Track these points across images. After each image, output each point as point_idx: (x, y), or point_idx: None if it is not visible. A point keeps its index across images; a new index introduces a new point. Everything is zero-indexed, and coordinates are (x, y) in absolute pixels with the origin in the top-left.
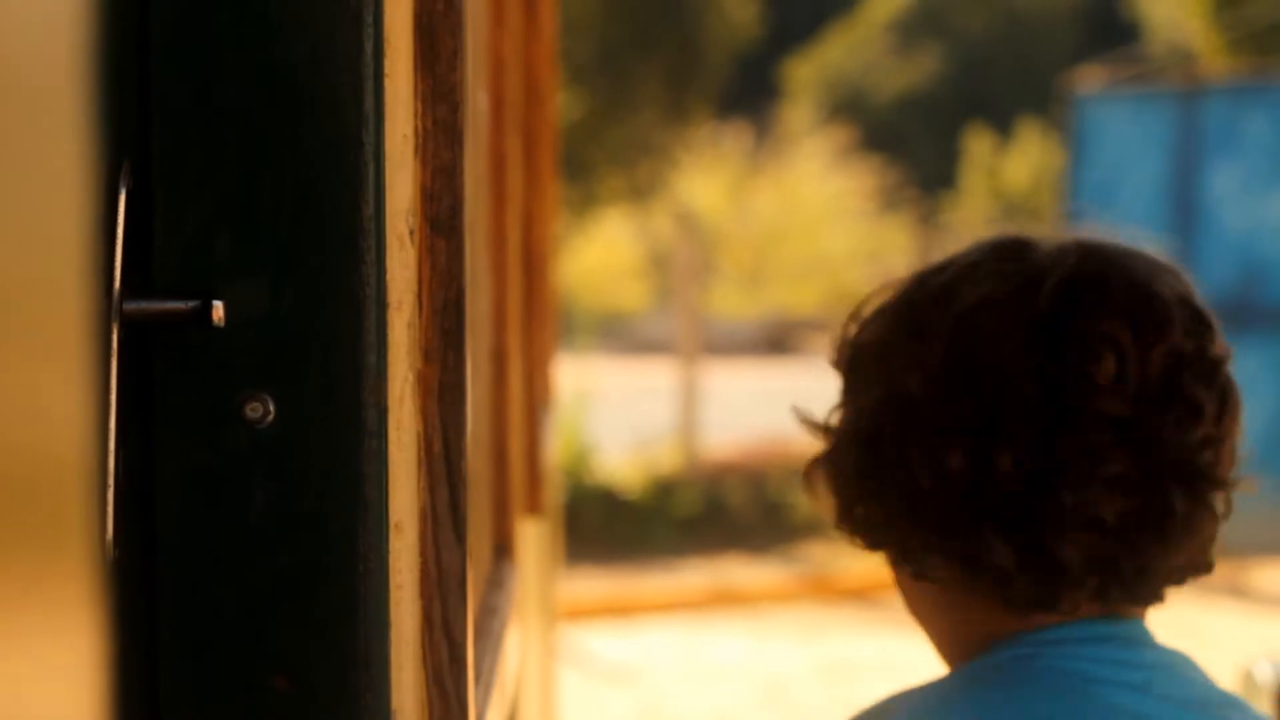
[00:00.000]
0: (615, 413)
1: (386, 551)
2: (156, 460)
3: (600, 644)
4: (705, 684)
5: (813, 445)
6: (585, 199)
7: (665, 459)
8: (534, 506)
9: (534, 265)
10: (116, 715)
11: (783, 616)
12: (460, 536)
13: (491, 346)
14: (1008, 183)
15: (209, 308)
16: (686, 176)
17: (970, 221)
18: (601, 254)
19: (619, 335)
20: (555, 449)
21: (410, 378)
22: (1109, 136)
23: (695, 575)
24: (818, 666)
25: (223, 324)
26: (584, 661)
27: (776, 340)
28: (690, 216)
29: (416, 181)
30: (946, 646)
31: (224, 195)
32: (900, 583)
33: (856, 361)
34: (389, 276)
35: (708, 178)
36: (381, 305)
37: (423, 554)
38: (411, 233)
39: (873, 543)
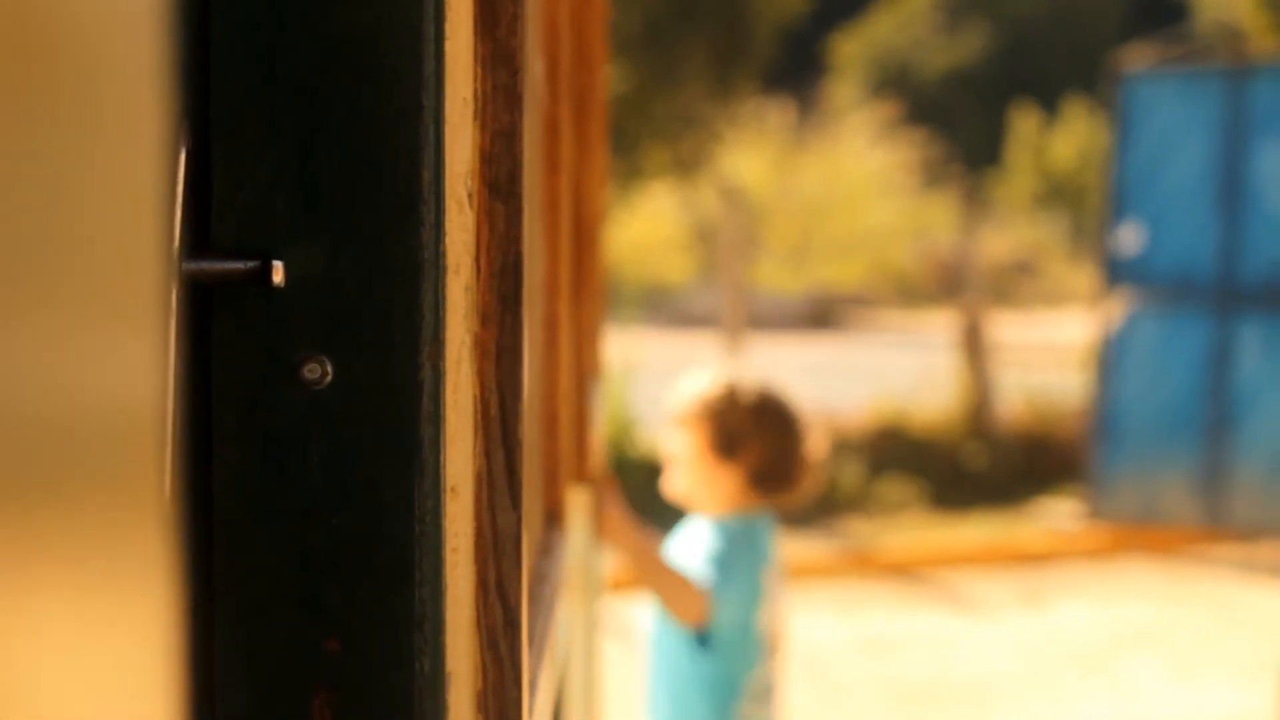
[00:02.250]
0: (659, 385)
1: (442, 514)
2: (214, 420)
3: (637, 614)
4: None
5: (854, 420)
6: (630, 172)
7: None
8: (582, 475)
9: (584, 235)
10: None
11: (823, 591)
12: (515, 500)
13: (544, 314)
14: (1053, 161)
15: (269, 268)
16: (732, 151)
17: (1015, 199)
18: (646, 227)
19: (663, 308)
20: (601, 420)
21: (467, 341)
22: (1156, 115)
23: None
24: (859, 642)
25: (283, 284)
26: (626, 633)
27: (820, 315)
28: (735, 191)
29: (476, 145)
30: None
31: (283, 158)
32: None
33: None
34: (447, 240)
35: (753, 152)
36: (439, 268)
37: (478, 517)
38: (470, 196)
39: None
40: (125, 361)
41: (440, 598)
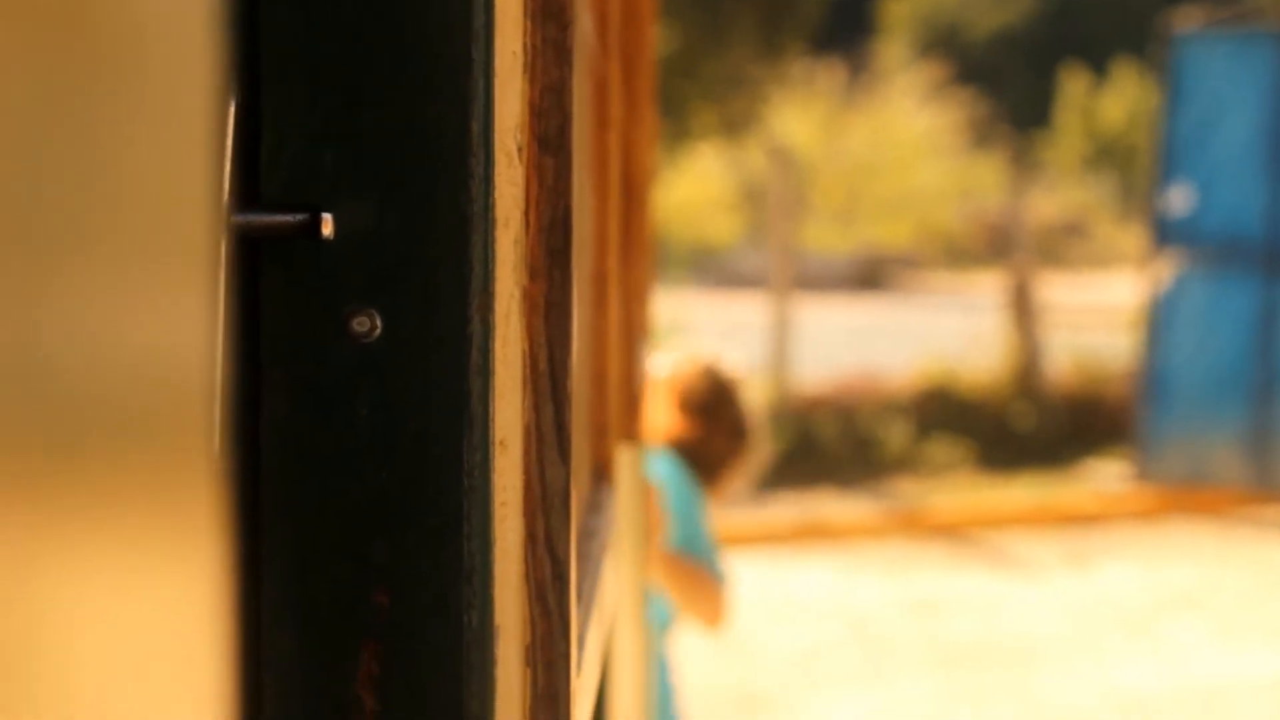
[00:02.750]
0: (707, 346)
1: (490, 468)
2: (263, 374)
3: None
4: (792, 619)
5: (901, 381)
6: (678, 133)
7: (756, 393)
8: (631, 433)
9: (633, 193)
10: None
11: (871, 552)
12: (564, 455)
13: (593, 270)
14: (1102, 123)
15: (318, 221)
16: (780, 112)
17: (1064, 160)
18: (694, 188)
19: (711, 270)
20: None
21: (516, 294)
22: (1206, 77)
23: (784, 509)
24: (905, 603)
25: (332, 237)
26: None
27: (868, 276)
28: (783, 151)
29: (525, 99)
30: None
31: (332, 111)
32: None
33: None
34: (496, 193)
35: (801, 113)
36: (488, 222)
37: (526, 471)
38: (520, 150)
39: None
40: (173, 315)
41: (489, 551)
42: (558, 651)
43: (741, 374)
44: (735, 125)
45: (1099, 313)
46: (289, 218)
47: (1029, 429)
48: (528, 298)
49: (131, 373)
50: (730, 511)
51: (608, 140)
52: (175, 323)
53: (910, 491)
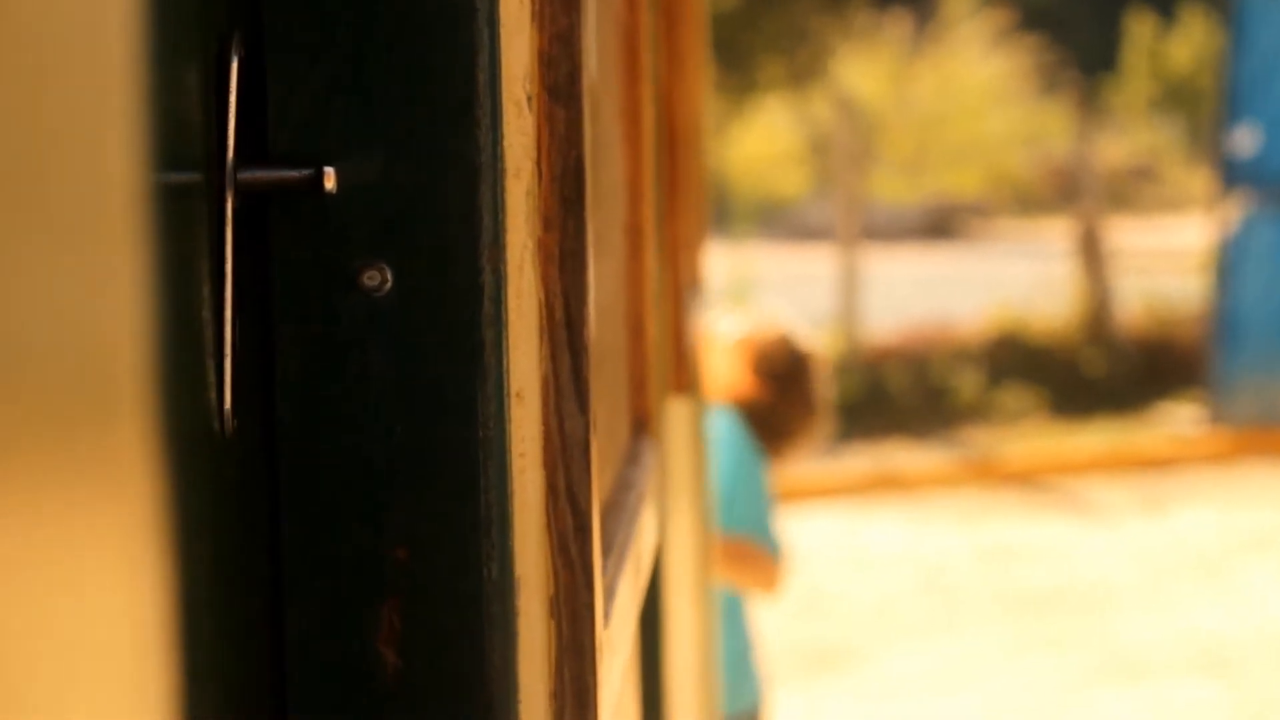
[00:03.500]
0: (776, 299)
1: (505, 418)
2: (274, 331)
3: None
4: (865, 570)
5: (972, 330)
6: (744, 86)
7: (826, 345)
8: (681, 386)
9: (677, 145)
10: (240, 588)
11: (943, 501)
12: (583, 405)
13: (625, 221)
14: (1169, 66)
15: (321, 175)
16: (846, 63)
17: (1131, 104)
18: (761, 141)
19: (779, 222)
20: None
21: (530, 245)
22: (1272, 17)
23: (856, 461)
24: (978, 552)
25: (335, 190)
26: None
27: (937, 225)
28: (850, 102)
29: (534, 48)
30: None
31: (338, 63)
32: None
33: None
34: (506, 144)
35: (867, 63)
36: (497, 173)
37: (545, 422)
38: (529, 99)
39: None
40: (85, 282)
41: (506, 503)
42: (581, 602)
43: (819, 348)
44: (801, 78)
45: (1168, 256)
46: (293, 173)
47: (1100, 374)
48: (542, 248)
49: (39, 345)
50: (803, 465)
51: (639, 92)
52: (89, 291)
53: (982, 440)
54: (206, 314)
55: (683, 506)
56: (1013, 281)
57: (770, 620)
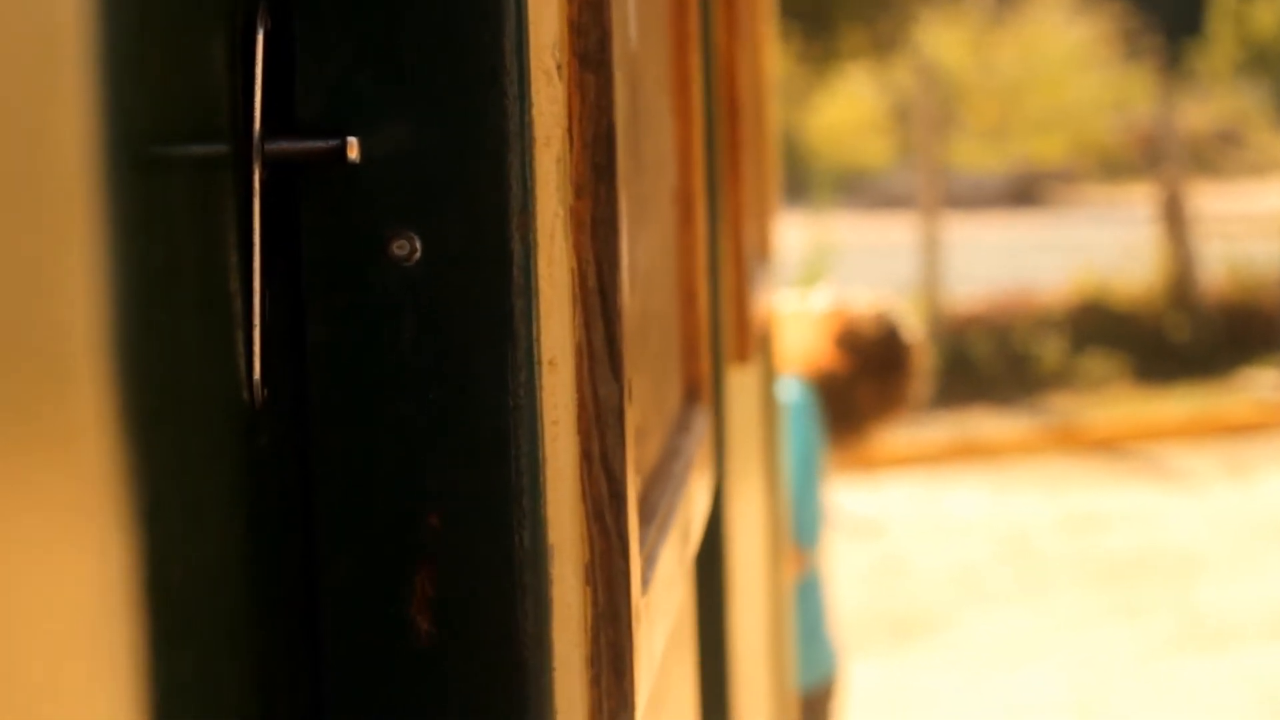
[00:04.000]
0: (858, 268)
1: (536, 385)
2: (305, 301)
3: (843, 498)
4: (947, 537)
5: (1056, 296)
6: (826, 55)
7: (908, 313)
8: (745, 355)
9: (739, 114)
10: (272, 558)
11: (1026, 469)
12: (617, 372)
13: (675, 189)
14: (1254, 29)
15: (345, 145)
16: (928, 30)
17: (1216, 68)
18: (843, 110)
19: (862, 191)
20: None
21: (561, 213)
22: None
23: (939, 429)
24: (1061, 519)
25: (359, 160)
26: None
27: (1021, 192)
28: (932, 70)
29: (562, 16)
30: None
31: (366, 33)
32: None
33: None
34: (535, 111)
35: (949, 31)
36: (525, 141)
37: (579, 389)
38: (559, 68)
39: None
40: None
41: (538, 470)
42: (617, 569)
43: (919, 342)
44: (884, 46)
45: (1254, 221)
46: (320, 143)
47: (1184, 340)
48: (574, 215)
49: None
50: (885, 434)
51: (689, 61)
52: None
53: (1066, 407)
54: (235, 285)
55: (750, 475)
56: (1096, 247)
57: (850, 587)
